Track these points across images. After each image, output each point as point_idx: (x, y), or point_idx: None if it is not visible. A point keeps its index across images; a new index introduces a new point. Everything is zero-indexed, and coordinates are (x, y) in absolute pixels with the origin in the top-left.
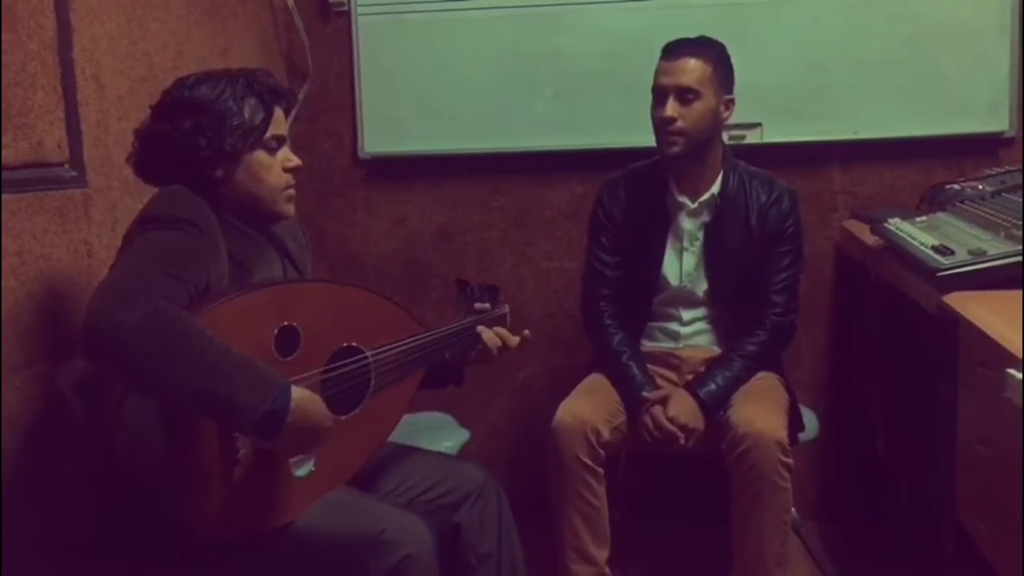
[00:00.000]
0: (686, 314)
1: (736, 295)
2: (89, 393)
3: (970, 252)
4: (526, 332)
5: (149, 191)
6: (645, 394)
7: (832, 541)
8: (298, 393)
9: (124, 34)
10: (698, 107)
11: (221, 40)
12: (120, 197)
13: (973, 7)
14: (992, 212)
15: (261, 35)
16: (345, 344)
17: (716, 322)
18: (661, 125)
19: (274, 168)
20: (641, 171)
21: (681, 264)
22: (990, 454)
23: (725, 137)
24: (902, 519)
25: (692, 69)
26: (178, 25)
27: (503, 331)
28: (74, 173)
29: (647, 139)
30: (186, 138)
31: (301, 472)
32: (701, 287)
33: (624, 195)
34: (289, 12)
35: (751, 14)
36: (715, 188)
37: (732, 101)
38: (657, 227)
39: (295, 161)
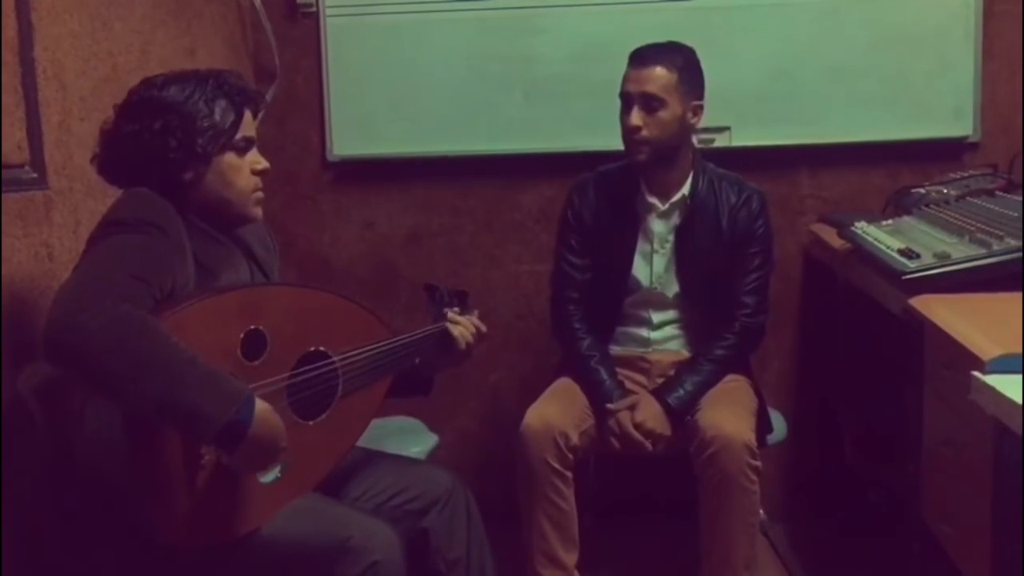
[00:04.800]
0: (656, 316)
1: (707, 297)
2: (50, 398)
3: (935, 255)
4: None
5: (112, 193)
6: (609, 406)
7: (800, 543)
8: (262, 407)
9: (87, 34)
10: (663, 115)
11: (187, 40)
12: (82, 199)
13: (938, 13)
14: (957, 216)
15: (228, 36)
16: (312, 348)
17: (686, 324)
18: (627, 133)
19: (243, 170)
20: (611, 173)
21: (651, 266)
22: (955, 456)
23: (695, 141)
24: (869, 520)
25: (657, 77)
26: (143, 25)
27: (472, 318)
28: (35, 175)
29: (617, 142)
30: (155, 139)
31: (267, 478)
32: (672, 289)
33: (594, 197)
34: (256, 13)
35: (720, 19)
36: (685, 190)
37: (701, 107)
38: (627, 229)
39: (264, 164)
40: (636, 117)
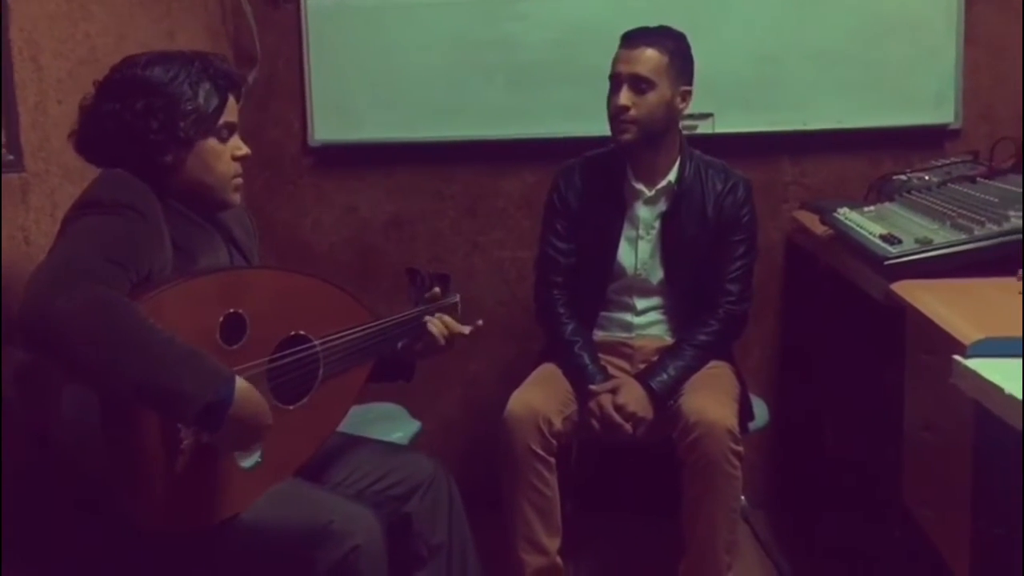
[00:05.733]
0: (640, 303)
1: (691, 284)
2: (26, 383)
3: (917, 241)
4: (479, 322)
5: (90, 176)
6: (592, 387)
7: (781, 528)
8: (242, 385)
9: (64, 15)
10: (652, 97)
11: (166, 23)
12: (59, 182)
13: (921, 1)
14: (938, 202)
15: (208, 19)
16: (293, 332)
17: (670, 311)
18: (615, 113)
19: (224, 156)
20: (598, 158)
21: (636, 252)
22: (936, 440)
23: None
24: (849, 505)
25: (648, 59)
26: (121, 7)
27: (448, 319)
28: (11, 157)
29: (600, 128)
30: (137, 120)
31: (247, 463)
32: (656, 276)
33: (580, 182)
34: None
35: (703, 4)
36: (672, 176)
37: (689, 92)
38: (613, 215)
39: (245, 150)
40: (625, 97)
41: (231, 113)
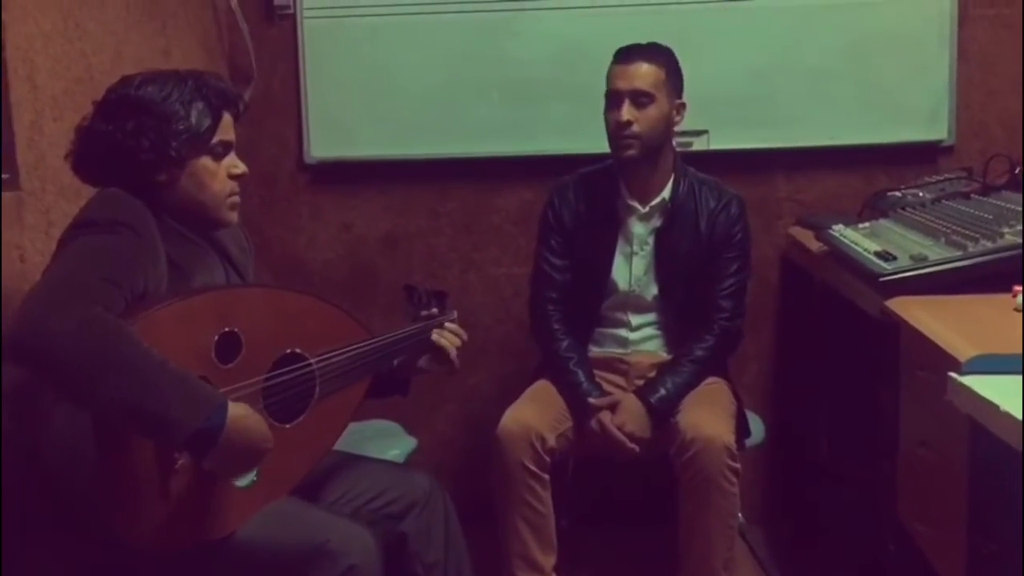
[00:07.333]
0: (635, 319)
1: (685, 300)
2: (18, 402)
3: (912, 258)
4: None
5: (86, 194)
6: (592, 401)
7: (777, 544)
8: (236, 411)
9: (59, 33)
10: (652, 111)
11: (162, 41)
12: (55, 200)
13: (914, 18)
14: (933, 218)
15: (203, 37)
16: (289, 350)
17: (664, 327)
18: (616, 129)
19: (219, 175)
20: (592, 175)
21: (631, 268)
22: (930, 456)
23: (673, 143)
24: (845, 521)
25: (646, 73)
26: (116, 25)
27: (457, 329)
28: (6, 176)
29: (595, 145)
30: (128, 140)
31: (242, 482)
32: (650, 292)
33: (575, 198)
34: (233, 13)
35: (698, 22)
36: (666, 193)
37: (683, 105)
38: (607, 231)
39: (241, 168)
40: (627, 112)
41: (226, 131)
